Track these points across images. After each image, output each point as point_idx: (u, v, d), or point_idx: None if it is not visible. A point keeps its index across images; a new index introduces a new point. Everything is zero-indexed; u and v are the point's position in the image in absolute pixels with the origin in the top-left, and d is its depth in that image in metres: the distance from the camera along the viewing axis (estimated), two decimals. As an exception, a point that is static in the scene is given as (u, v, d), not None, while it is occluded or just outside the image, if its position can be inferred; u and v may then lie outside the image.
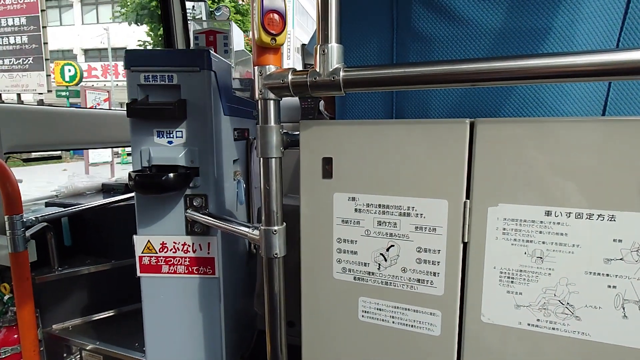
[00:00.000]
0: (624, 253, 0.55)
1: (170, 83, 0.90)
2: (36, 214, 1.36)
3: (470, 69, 0.57)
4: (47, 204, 1.61)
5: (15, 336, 1.26)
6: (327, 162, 0.71)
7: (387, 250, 0.68)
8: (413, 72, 0.60)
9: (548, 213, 0.58)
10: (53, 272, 1.43)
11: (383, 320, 0.70)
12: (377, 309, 0.71)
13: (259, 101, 0.70)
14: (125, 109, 0.88)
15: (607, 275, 0.56)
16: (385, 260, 0.69)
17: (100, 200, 1.57)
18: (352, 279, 0.72)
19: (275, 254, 0.73)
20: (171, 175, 0.85)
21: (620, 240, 0.54)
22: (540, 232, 0.58)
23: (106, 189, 1.81)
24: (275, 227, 0.72)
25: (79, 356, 1.36)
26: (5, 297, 1.31)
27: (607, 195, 0.55)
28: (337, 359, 0.75)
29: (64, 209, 1.46)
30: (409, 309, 0.68)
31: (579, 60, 0.52)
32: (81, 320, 1.49)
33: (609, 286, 0.56)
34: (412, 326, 0.68)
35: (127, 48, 0.91)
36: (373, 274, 0.70)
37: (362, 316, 0.72)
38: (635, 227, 0.54)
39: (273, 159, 0.70)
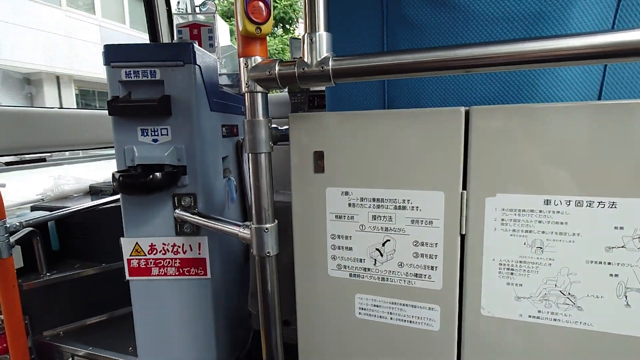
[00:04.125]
0: (626, 240, 0.53)
1: (153, 79, 0.86)
2: (21, 218, 1.32)
3: (463, 54, 0.55)
4: (33, 208, 1.56)
5: (5, 345, 1.22)
6: (319, 156, 0.68)
7: (383, 245, 0.66)
8: (405, 60, 0.57)
9: (547, 202, 0.56)
10: (41, 277, 1.39)
11: (381, 316, 0.69)
12: (374, 306, 0.69)
13: (246, 94, 0.67)
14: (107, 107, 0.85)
15: (609, 263, 0.54)
16: (381, 255, 0.67)
17: (87, 203, 1.53)
18: (347, 276, 0.70)
19: (268, 253, 0.71)
20: (157, 174, 0.82)
21: (621, 228, 0.53)
22: (540, 222, 0.57)
23: (94, 191, 1.77)
24: (267, 225, 0.70)
25: (71, 363, 1.32)
26: (-8, 305, 1.27)
27: (608, 182, 0.53)
28: (334, 357, 0.73)
29: (50, 213, 1.42)
30: (407, 305, 0.66)
31: (574, 42, 0.50)
32: (73, 325, 1.45)
33: (611, 275, 0.54)
34: (410, 322, 0.67)
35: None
36: (369, 269, 0.68)
37: (359, 313, 0.70)
38: (636, 213, 0.52)
39: (262, 155, 0.68)
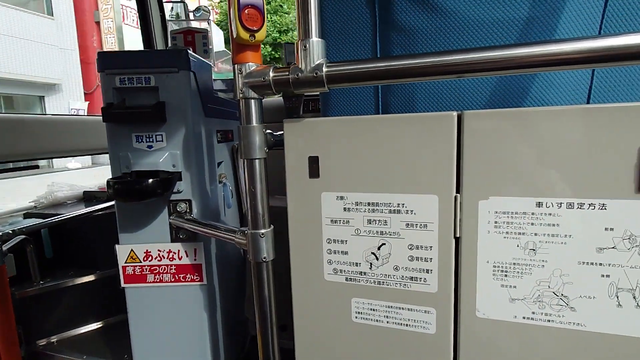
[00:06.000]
0: (616, 241, 0.54)
1: (148, 85, 0.86)
2: (13, 226, 1.31)
3: (456, 60, 0.55)
4: (26, 216, 1.55)
5: (-3, 355, 1.20)
6: (314, 161, 0.69)
7: (379, 249, 0.67)
8: (398, 66, 0.58)
9: (539, 204, 0.57)
10: (35, 286, 1.38)
11: (377, 320, 0.69)
12: (371, 309, 0.69)
13: (240, 101, 0.67)
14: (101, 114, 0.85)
15: (600, 264, 0.55)
16: (377, 259, 0.67)
17: (81, 210, 1.52)
18: (343, 280, 0.70)
19: (264, 258, 0.71)
20: (151, 180, 0.82)
21: (611, 229, 0.54)
22: (532, 224, 0.57)
23: (88, 198, 1.76)
24: (263, 230, 0.70)
25: (65, 372, 1.31)
26: (-16, 315, 1.26)
27: (597, 184, 0.54)
28: (331, 362, 0.74)
29: (43, 220, 1.41)
30: (403, 308, 0.67)
31: (564, 47, 0.51)
32: (67, 334, 1.44)
33: (603, 275, 0.55)
34: (406, 325, 0.67)
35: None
36: (365, 273, 0.68)
37: (356, 317, 0.70)
38: (626, 214, 0.53)
39: (257, 160, 0.68)
